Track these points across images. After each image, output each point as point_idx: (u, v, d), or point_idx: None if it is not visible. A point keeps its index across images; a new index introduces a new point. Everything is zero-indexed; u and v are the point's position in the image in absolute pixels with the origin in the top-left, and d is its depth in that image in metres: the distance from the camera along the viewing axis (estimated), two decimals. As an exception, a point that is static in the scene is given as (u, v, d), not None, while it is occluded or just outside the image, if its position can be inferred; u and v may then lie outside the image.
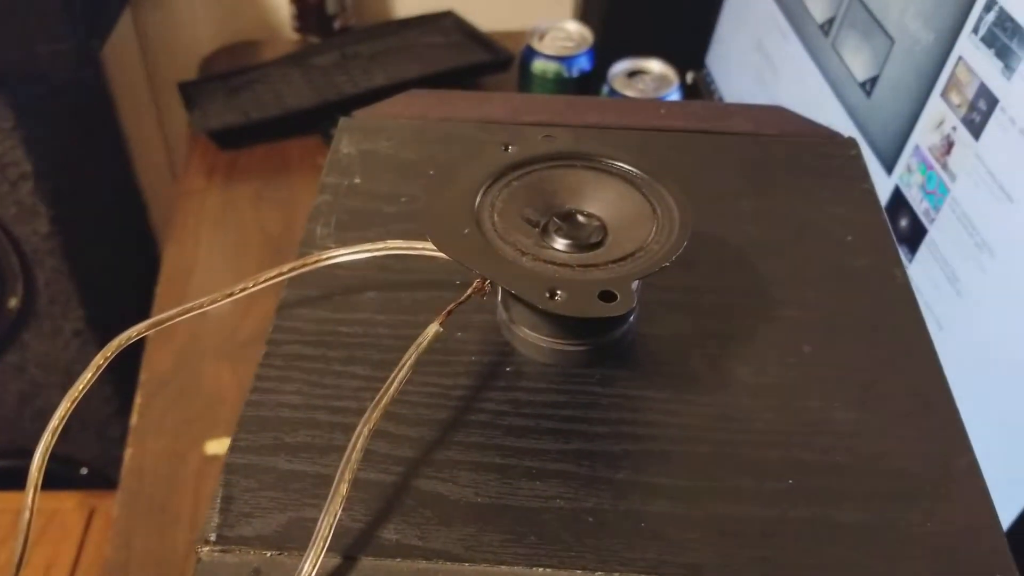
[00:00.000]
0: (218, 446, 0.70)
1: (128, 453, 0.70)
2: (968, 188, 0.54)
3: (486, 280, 0.32)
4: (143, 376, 0.75)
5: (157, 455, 0.70)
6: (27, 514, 0.31)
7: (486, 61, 1.02)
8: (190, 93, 1.01)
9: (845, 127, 0.67)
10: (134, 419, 0.72)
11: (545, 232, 0.33)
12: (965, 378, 0.36)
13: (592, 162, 0.35)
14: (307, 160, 0.96)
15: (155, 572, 0.64)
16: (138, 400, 0.73)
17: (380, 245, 0.36)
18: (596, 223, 0.33)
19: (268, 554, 0.28)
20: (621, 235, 0.33)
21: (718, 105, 0.56)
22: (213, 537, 0.29)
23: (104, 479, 1.08)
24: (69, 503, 1.03)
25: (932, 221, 0.58)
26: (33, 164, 0.89)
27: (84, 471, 1.09)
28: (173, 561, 0.64)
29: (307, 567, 0.27)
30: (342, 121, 0.45)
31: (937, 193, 0.57)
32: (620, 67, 0.88)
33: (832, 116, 0.70)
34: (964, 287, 0.55)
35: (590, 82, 0.93)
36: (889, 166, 0.63)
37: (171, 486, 0.68)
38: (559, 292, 0.29)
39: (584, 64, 0.92)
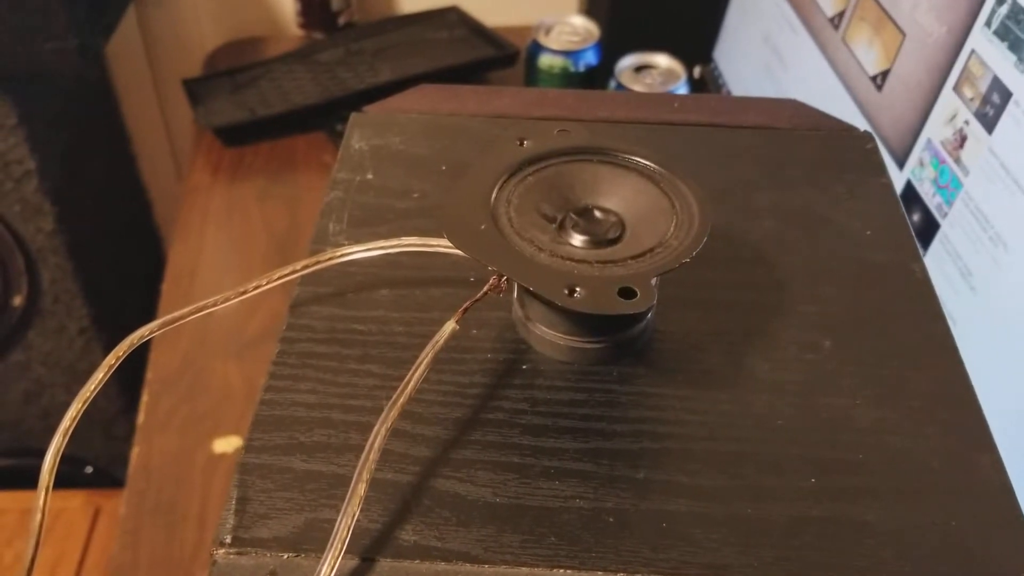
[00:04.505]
0: (226, 444, 0.70)
1: (135, 452, 0.70)
2: (981, 182, 0.54)
3: (502, 277, 0.32)
4: (150, 374, 0.75)
5: (164, 453, 0.70)
6: (38, 516, 0.31)
7: (491, 56, 1.02)
8: (195, 90, 1.01)
9: (855, 121, 0.67)
10: (141, 417, 0.72)
11: (562, 228, 0.32)
12: (980, 373, 0.36)
13: (609, 157, 0.34)
14: (313, 157, 0.96)
15: (162, 571, 0.64)
16: (145, 398, 0.73)
17: (394, 242, 0.36)
18: (614, 219, 0.33)
19: (284, 556, 0.28)
20: (639, 230, 0.32)
21: (732, 99, 0.56)
22: (228, 539, 0.28)
23: (109, 478, 1.08)
24: (75, 502, 1.03)
25: (945, 216, 0.57)
26: (37, 162, 0.88)
27: (89, 470, 1.08)
28: (180, 560, 0.64)
29: (325, 569, 0.26)
30: (353, 116, 0.44)
31: (950, 187, 0.57)
32: (627, 62, 0.87)
33: (842, 110, 0.69)
34: (978, 282, 0.54)
35: (597, 77, 0.92)
36: (901, 161, 0.62)
37: (178, 485, 0.68)
38: (578, 289, 0.29)
39: (591, 59, 0.92)
